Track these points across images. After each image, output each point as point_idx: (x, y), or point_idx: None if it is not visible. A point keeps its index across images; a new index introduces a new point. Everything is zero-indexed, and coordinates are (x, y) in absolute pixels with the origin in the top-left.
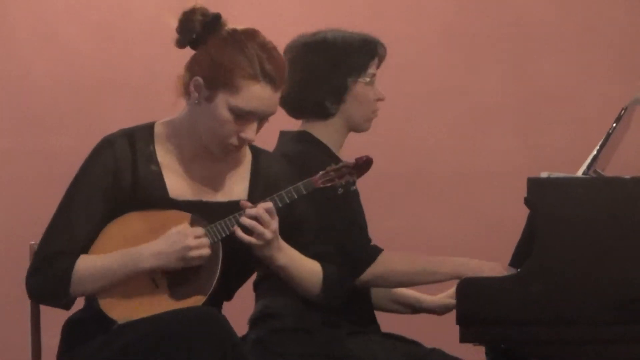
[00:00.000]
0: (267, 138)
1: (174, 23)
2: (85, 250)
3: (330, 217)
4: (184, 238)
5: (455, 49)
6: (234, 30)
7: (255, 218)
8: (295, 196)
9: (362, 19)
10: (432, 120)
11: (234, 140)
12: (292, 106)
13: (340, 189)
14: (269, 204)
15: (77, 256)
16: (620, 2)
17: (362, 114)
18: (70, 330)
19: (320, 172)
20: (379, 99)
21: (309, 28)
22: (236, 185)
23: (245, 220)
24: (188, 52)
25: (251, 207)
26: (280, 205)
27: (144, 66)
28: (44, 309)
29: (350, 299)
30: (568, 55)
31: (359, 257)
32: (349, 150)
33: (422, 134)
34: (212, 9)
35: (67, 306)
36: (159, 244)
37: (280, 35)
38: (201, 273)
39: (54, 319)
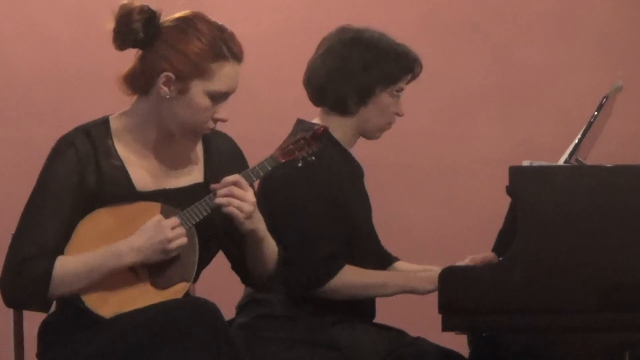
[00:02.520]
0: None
1: (109, 25)
2: (59, 251)
3: (294, 225)
4: (162, 230)
5: (436, 38)
6: (186, 18)
7: (228, 195)
8: (261, 173)
9: (341, 6)
10: (413, 110)
11: (210, 124)
12: (316, 92)
13: (300, 162)
14: (236, 176)
15: (52, 258)
16: None
17: (378, 123)
18: (49, 332)
19: (278, 147)
20: (397, 114)
21: (290, 17)
22: (193, 168)
23: (220, 200)
24: None
25: (220, 187)
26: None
27: (123, 56)
28: None
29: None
30: (549, 43)
31: (311, 272)
32: None
33: (404, 123)
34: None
35: (46, 309)
36: (137, 239)
37: (262, 24)
38: (181, 260)
39: (37, 317)
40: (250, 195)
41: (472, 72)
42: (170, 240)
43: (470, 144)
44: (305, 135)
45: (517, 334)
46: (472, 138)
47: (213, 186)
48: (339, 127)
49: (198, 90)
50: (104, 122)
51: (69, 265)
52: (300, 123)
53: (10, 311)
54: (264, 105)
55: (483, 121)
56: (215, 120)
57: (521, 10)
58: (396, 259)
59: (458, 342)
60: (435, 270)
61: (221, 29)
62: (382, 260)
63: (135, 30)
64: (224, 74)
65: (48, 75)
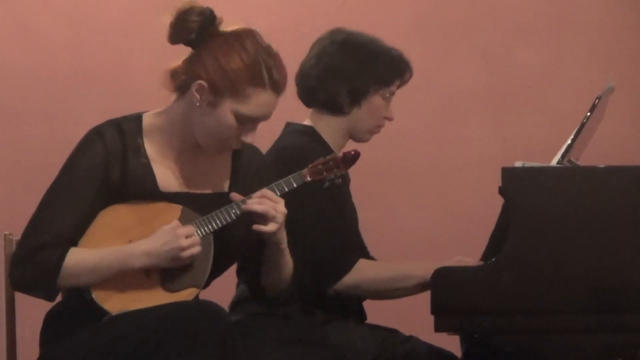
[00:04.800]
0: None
1: (167, 19)
2: (73, 242)
3: (303, 224)
4: (176, 239)
5: (429, 39)
6: (237, 33)
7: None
8: (286, 189)
9: (334, 8)
10: (406, 111)
11: (233, 143)
12: (307, 92)
13: (327, 182)
14: (265, 190)
15: (65, 248)
16: None
17: (368, 125)
18: (54, 322)
19: (309, 166)
20: (388, 118)
21: (283, 18)
22: (220, 178)
23: (255, 206)
24: (161, 45)
25: (243, 199)
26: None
27: (117, 56)
28: (19, 300)
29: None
30: (542, 45)
31: (327, 268)
32: None
33: (396, 125)
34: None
35: (51, 297)
36: (150, 243)
37: (256, 25)
38: (193, 265)
39: (29, 310)
40: (281, 205)
41: (465, 74)
42: (182, 249)
43: (463, 145)
44: (337, 157)
45: (510, 335)
46: (465, 139)
47: (234, 196)
48: (329, 128)
49: (227, 109)
50: (137, 119)
51: (81, 258)
52: (288, 126)
53: (4, 309)
54: None
55: (476, 122)
56: (240, 142)
57: (514, 12)
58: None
59: (451, 342)
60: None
61: (268, 54)
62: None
63: (191, 29)
64: (258, 100)
65: (42, 75)
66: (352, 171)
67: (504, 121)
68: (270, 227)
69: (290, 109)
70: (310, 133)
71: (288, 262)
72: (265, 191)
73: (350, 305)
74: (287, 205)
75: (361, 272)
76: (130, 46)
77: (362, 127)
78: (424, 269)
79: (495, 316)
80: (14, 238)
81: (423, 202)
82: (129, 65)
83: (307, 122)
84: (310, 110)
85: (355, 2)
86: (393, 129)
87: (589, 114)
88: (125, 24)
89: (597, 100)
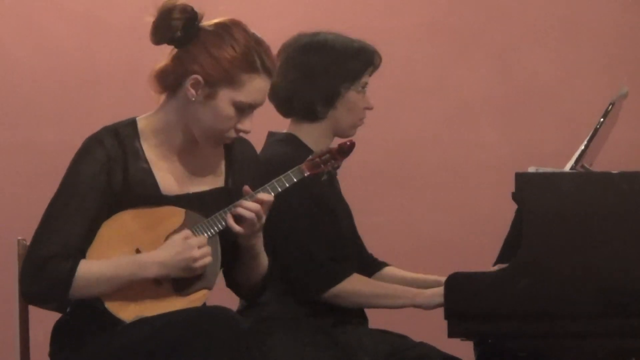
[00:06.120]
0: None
1: (149, 19)
2: (83, 251)
3: (293, 230)
4: (189, 250)
5: (442, 44)
6: (224, 25)
7: (250, 208)
8: (287, 184)
9: (349, 13)
10: (419, 116)
11: (232, 133)
12: (282, 104)
13: (325, 176)
14: (271, 198)
15: (75, 259)
16: None
17: (350, 121)
18: (63, 333)
19: (307, 159)
20: (367, 108)
21: (294, 22)
22: (214, 173)
23: (244, 212)
24: (173, 49)
25: (252, 196)
26: (272, 194)
27: (129, 60)
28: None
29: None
30: (555, 50)
31: (314, 277)
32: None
33: (409, 129)
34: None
35: (63, 309)
36: (163, 254)
37: (267, 29)
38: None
39: (42, 316)
40: (265, 215)
41: (478, 78)
42: (195, 260)
43: (476, 150)
44: (332, 149)
45: (523, 340)
46: (478, 144)
47: (247, 189)
48: (311, 134)
49: (225, 99)
50: (132, 123)
51: (93, 269)
52: (271, 135)
53: (16, 316)
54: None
55: (489, 127)
56: (238, 131)
57: (526, 17)
58: (385, 264)
59: (463, 349)
60: (440, 281)
61: (258, 41)
62: (367, 265)
63: (174, 27)
64: (253, 86)
65: (54, 79)
66: (365, 176)
67: (516, 126)
68: (242, 229)
69: (272, 116)
70: (292, 141)
71: (259, 265)
72: (269, 198)
73: (353, 310)
74: (278, 208)
75: (351, 285)
76: (142, 50)
77: (343, 125)
78: (412, 295)
79: (510, 321)
80: (27, 243)
81: (435, 207)
82: (141, 69)
83: (288, 130)
84: (289, 120)
85: (368, 7)
86: (406, 134)
87: (602, 119)
88: (137, 27)
89: (610, 106)
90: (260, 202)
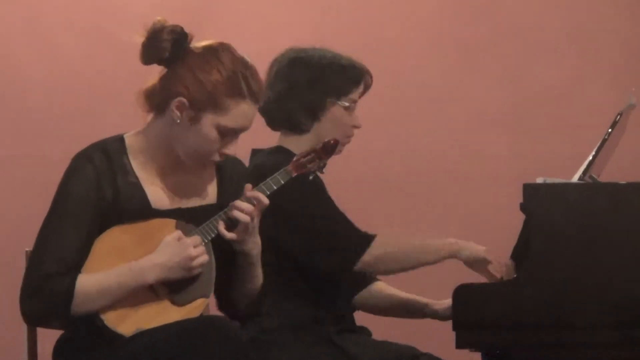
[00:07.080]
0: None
1: (138, 39)
2: (79, 268)
3: (305, 217)
4: (185, 249)
5: (449, 54)
6: (212, 48)
7: (244, 209)
8: (274, 187)
9: (356, 25)
10: (427, 126)
11: (215, 157)
12: (269, 117)
13: (311, 175)
14: (265, 199)
15: (73, 276)
16: (614, 7)
17: (335, 136)
18: (65, 349)
19: (293, 160)
20: (355, 126)
21: (301, 35)
22: (207, 190)
23: (238, 214)
24: None
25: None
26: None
27: (137, 75)
28: None
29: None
30: (563, 60)
31: (345, 248)
32: (344, 153)
33: (416, 139)
34: (198, 17)
35: (66, 326)
36: (159, 256)
37: (271, 43)
38: (199, 276)
39: (50, 331)
40: (258, 218)
41: (486, 89)
42: (192, 258)
43: (485, 161)
44: (316, 148)
45: (532, 350)
46: (486, 155)
47: (248, 187)
48: (299, 147)
49: (209, 122)
50: (120, 140)
51: (91, 283)
52: (255, 154)
53: (24, 328)
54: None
55: (497, 138)
56: (222, 155)
57: (535, 28)
58: (375, 279)
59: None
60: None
61: (245, 65)
62: (358, 278)
63: (163, 48)
64: (238, 111)
65: (63, 91)
66: (371, 186)
67: (524, 137)
68: (235, 236)
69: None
70: (280, 150)
71: (256, 276)
72: (265, 199)
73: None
74: (276, 205)
75: (386, 247)
76: (151, 65)
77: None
78: (449, 244)
79: (518, 332)
80: None
81: (443, 218)
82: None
83: (277, 143)
84: (278, 134)
85: (377, 20)
86: (413, 143)
87: (610, 130)
88: None
89: (618, 117)
90: (256, 201)
